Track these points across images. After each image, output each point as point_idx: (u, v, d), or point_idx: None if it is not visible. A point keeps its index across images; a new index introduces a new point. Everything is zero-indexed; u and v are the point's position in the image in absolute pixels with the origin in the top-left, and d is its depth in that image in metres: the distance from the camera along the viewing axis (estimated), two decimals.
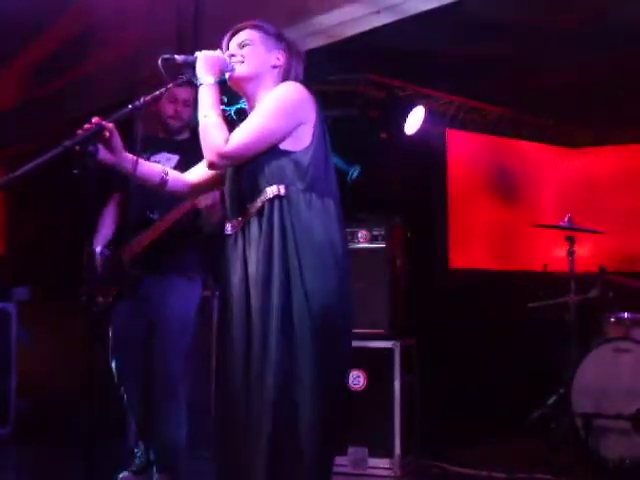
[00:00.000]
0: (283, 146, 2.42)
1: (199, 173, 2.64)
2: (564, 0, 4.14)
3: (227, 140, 2.38)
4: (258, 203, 2.42)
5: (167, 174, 2.62)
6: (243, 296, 2.42)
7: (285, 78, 2.55)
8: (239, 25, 2.57)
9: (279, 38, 2.57)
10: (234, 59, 2.50)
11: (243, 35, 2.54)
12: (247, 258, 2.43)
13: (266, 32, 2.55)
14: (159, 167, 2.65)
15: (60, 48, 4.91)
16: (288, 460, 2.30)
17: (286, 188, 2.39)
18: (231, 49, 2.54)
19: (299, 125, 2.42)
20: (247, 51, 2.51)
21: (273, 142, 2.41)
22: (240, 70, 2.50)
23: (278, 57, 2.54)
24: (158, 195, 3.46)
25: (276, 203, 2.39)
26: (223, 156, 2.39)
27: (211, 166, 2.45)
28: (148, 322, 3.56)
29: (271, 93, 2.45)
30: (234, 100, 2.62)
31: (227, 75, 2.49)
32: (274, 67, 2.54)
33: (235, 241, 2.48)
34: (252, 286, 2.40)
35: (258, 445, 2.32)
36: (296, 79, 2.56)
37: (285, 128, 2.41)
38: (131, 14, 4.46)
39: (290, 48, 2.57)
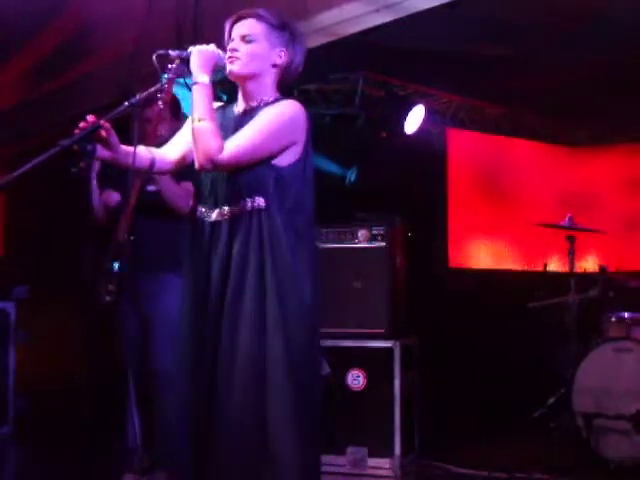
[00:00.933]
0: (271, 160, 2.45)
1: (177, 150, 2.63)
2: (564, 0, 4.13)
3: (221, 149, 2.38)
4: (236, 209, 2.44)
5: (152, 154, 2.61)
6: (213, 294, 2.44)
7: (284, 74, 2.54)
8: (243, 12, 2.53)
9: (282, 28, 2.54)
10: (235, 54, 2.49)
11: (247, 27, 2.50)
12: (212, 257, 2.45)
13: (270, 24, 2.51)
14: (145, 150, 2.62)
15: (58, 47, 4.90)
16: (265, 465, 2.32)
17: (267, 202, 2.42)
18: (234, 39, 2.51)
19: (292, 144, 2.46)
20: (250, 48, 2.49)
21: (266, 157, 2.43)
22: (240, 68, 2.49)
23: (280, 55, 2.52)
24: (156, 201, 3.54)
25: (255, 216, 2.42)
26: (215, 164, 2.40)
27: (201, 169, 2.46)
28: (143, 320, 3.59)
29: (272, 108, 2.47)
30: (233, 98, 2.61)
31: (228, 70, 2.49)
32: (274, 66, 2.53)
33: (207, 231, 2.49)
34: (217, 287, 2.42)
35: (233, 451, 2.33)
36: (295, 72, 2.56)
37: (280, 146, 2.44)
38: (130, 12, 4.45)
39: (293, 38, 2.55)
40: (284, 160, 2.45)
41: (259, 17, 2.51)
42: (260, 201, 2.42)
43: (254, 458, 2.33)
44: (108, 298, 3.58)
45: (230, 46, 2.50)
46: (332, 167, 5.19)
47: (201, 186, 2.56)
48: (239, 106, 2.58)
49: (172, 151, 2.64)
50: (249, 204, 2.42)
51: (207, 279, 2.45)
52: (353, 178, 5.37)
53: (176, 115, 3.71)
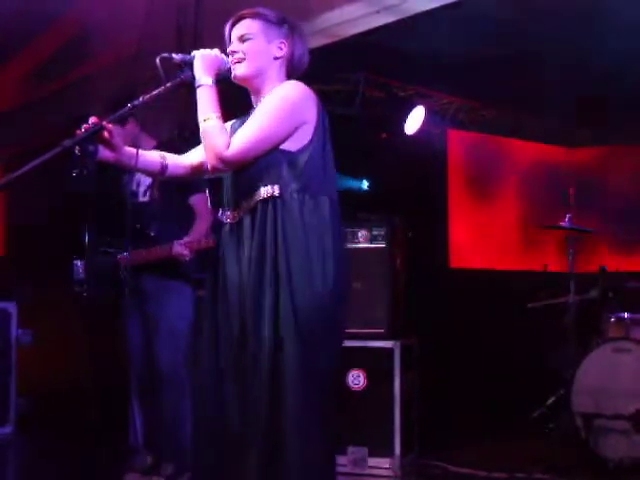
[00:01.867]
0: (281, 146, 2.41)
1: (198, 155, 2.62)
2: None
3: (229, 144, 2.38)
4: (252, 201, 2.42)
5: (165, 159, 2.60)
6: (236, 293, 2.42)
7: (289, 66, 2.53)
8: (240, 13, 2.53)
9: (281, 23, 2.53)
10: (235, 56, 2.50)
11: (244, 26, 2.51)
12: (241, 255, 2.43)
13: (267, 20, 2.51)
14: (157, 155, 2.62)
15: (60, 48, 4.91)
16: (279, 465, 2.29)
17: (281, 189, 2.38)
18: (232, 42, 2.52)
19: (300, 125, 2.41)
20: (248, 46, 2.49)
21: (275, 144, 2.39)
22: (242, 70, 2.49)
23: (280, 47, 2.51)
24: (150, 210, 3.55)
25: (270, 204, 2.38)
26: (225, 161, 2.38)
27: (214, 170, 2.44)
28: (146, 321, 3.61)
29: (272, 94, 2.44)
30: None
31: (232, 75, 2.49)
32: (276, 58, 2.52)
33: (231, 231, 2.49)
34: (245, 283, 2.40)
35: (247, 451, 2.32)
36: (302, 63, 2.55)
37: (287, 130, 2.40)
38: (130, 15, 4.46)
39: (292, 31, 2.54)
40: (294, 144, 2.41)
41: (254, 15, 2.51)
42: (275, 188, 2.38)
43: (266, 453, 2.30)
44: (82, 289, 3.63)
45: (230, 49, 2.51)
46: (347, 182, 5.23)
47: (223, 192, 2.55)
48: (254, 110, 2.56)
49: (190, 157, 2.63)
50: (263, 193, 2.39)
51: (240, 276, 2.41)
52: (364, 188, 5.42)
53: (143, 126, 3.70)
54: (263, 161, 2.40)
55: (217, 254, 2.53)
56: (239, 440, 2.35)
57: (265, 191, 2.39)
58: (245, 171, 2.43)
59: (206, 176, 2.69)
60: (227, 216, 2.50)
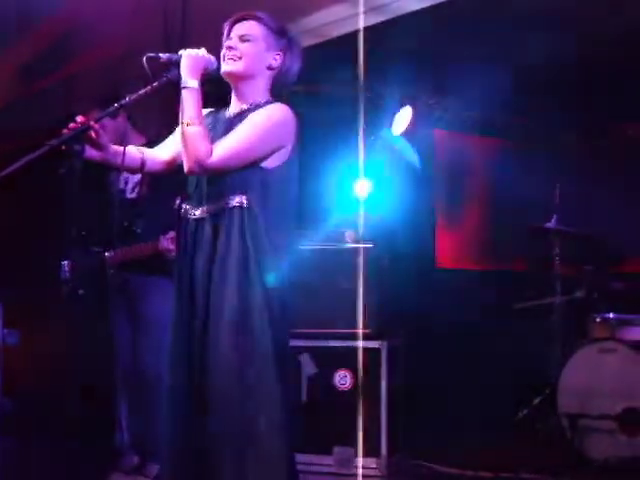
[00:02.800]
0: (258, 162, 2.48)
1: (170, 150, 2.66)
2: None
3: (210, 153, 2.40)
4: (219, 206, 2.46)
5: (144, 154, 2.64)
6: (192, 292, 2.49)
7: (279, 79, 2.57)
8: (244, 13, 2.56)
9: (281, 34, 2.58)
10: (232, 52, 2.50)
11: (246, 27, 2.54)
12: (196, 257, 2.48)
13: (269, 27, 2.56)
14: (136, 150, 2.64)
15: (46, 48, 4.89)
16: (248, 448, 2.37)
17: (249, 201, 2.43)
18: (232, 39, 2.53)
19: (280, 148, 2.49)
20: (247, 48, 2.52)
21: (254, 160, 2.46)
22: (235, 67, 2.51)
23: (275, 58, 2.56)
24: (138, 207, 3.55)
25: (236, 212, 2.44)
26: (205, 167, 2.43)
27: (190, 172, 2.48)
28: (133, 320, 3.60)
29: (260, 112, 2.49)
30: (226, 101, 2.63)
31: (222, 70, 2.51)
32: (269, 68, 2.56)
33: (193, 229, 2.53)
34: (201, 283, 2.46)
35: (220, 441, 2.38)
36: (291, 80, 2.60)
37: (268, 150, 2.47)
38: (117, 14, 4.44)
39: (290, 45, 2.59)
40: (271, 162, 2.48)
41: (259, 19, 2.55)
42: (243, 199, 2.45)
43: (238, 444, 2.37)
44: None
45: (227, 44, 2.52)
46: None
47: (186, 184, 2.58)
48: (231, 109, 2.60)
49: (163, 152, 2.67)
50: (232, 202, 2.45)
51: (191, 277, 2.47)
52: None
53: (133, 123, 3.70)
54: (238, 173, 2.49)
55: (179, 248, 2.57)
56: (211, 440, 2.40)
57: (234, 200, 2.44)
58: (217, 177, 2.47)
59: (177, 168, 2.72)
60: (188, 211, 2.52)
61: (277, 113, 2.50)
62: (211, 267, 2.44)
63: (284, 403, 2.41)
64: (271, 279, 2.42)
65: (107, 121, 3.39)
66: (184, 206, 2.56)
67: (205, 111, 2.58)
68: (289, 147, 2.51)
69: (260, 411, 2.37)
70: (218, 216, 2.46)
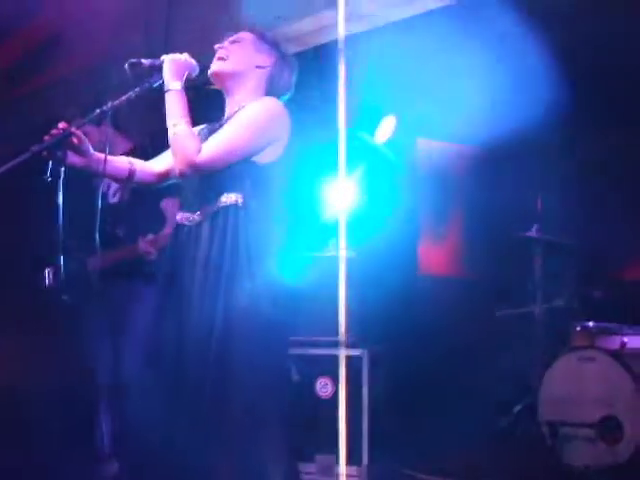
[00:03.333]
0: (250, 158, 2.45)
1: (165, 162, 2.64)
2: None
3: (200, 150, 2.39)
4: (214, 207, 2.44)
5: (133, 165, 2.62)
6: (188, 297, 2.46)
7: (270, 82, 2.57)
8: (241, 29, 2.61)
9: (273, 46, 2.60)
10: (220, 52, 2.52)
11: (238, 34, 2.58)
12: (196, 258, 2.45)
13: (261, 37, 2.59)
14: (125, 160, 2.64)
15: (28, 53, 4.87)
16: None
17: (244, 199, 2.42)
18: (224, 43, 2.56)
19: (273, 142, 2.46)
20: (234, 48, 2.54)
21: (245, 155, 2.44)
22: (220, 67, 2.52)
23: (265, 59, 2.56)
24: (119, 212, 3.54)
25: (231, 211, 2.42)
26: (195, 167, 2.41)
27: (182, 175, 2.45)
28: (113, 330, 3.59)
29: (250, 107, 2.47)
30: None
31: (209, 71, 2.51)
32: (258, 67, 2.55)
33: (188, 234, 2.50)
34: (198, 287, 2.43)
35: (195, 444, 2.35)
36: (284, 88, 2.59)
37: (260, 144, 2.45)
38: (100, 19, 4.44)
39: (283, 58, 2.60)
40: (263, 158, 2.46)
41: (251, 29, 2.58)
42: (237, 197, 2.42)
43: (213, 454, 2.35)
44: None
45: (217, 46, 2.54)
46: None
47: (182, 192, 2.57)
48: (225, 114, 2.59)
49: (156, 164, 2.65)
50: (226, 200, 2.43)
51: (193, 278, 2.44)
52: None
53: (119, 128, 3.70)
54: (229, 170, 2.43)
55: (170, 254, 2.54)
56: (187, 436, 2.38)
57: (228, 198, 2.42)
58: (210, 177, 2.45)
59: (171, 181, 2.70)
60: (186, 218, 2.51)
61: (268, 106, 2.49)
62: (207, 267, 2.41)
63: (279, 410, 2.40)
64: (265, 277, 2.40)
65: (90, 128, 3.38)
66: (180, 214, 2.54)
67: (199, 127, 2.58)
68: (282, 142, 2.49)
69: (258, 421, 2.35)
70: (213, 217, 2.44)
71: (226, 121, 2.54)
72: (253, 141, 2.43)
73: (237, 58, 2.52)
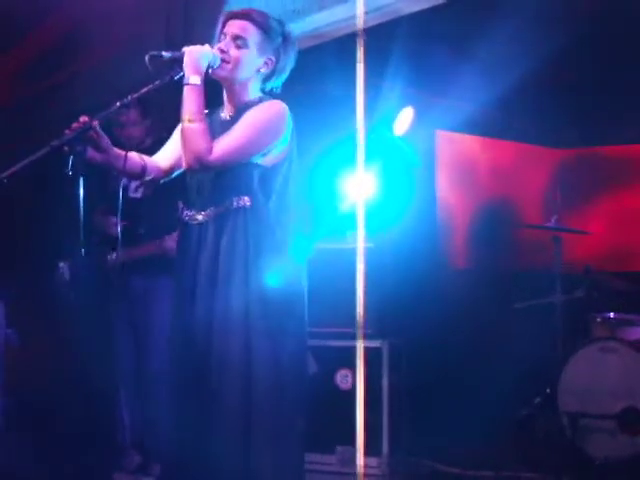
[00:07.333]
0: (256, 160, 2.49)
1: (168, 157, 2.67)
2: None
3: (211, 150, 2.41)
4: (221, 209, 2.46)
5: (144, 160, 2.64)
6: (194, 296, 2.49)
7: (269, 77, 2.60)
8: (240, 10, 2.57)
9: (275, 34, 2.58)
10: (224, 56, 2.52)
11: (242, 28, 2.54)
12: (200, 259, 2.48)
13: (264, 30, 2.55)
14: (137, 157, 2.65)
15: (48, 47, 4.90)
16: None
17: (251, 200, 2.44)
18: (226, 38, 2.54)
19: (278, 144, 2.51)
20: (239, 54, 2.53)
21: (251, 156, 2.48)
22: (224, 73, 2.53)
23: (267, 62, 2.57)
24: (141, 207, 3.56)
25: (240, 213, 2.45)
26: (205, 164, 2.44)
27: (190, 170, 2.49)
28: (137, 323, 3.60)
29: (259, 109, 2.52)
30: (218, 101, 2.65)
31: (210, 71, 2.52)
32: (261, 69, 2.57)
33: (193, 233, 2.53)
34: (204, 285, 2.46)
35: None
36: (278, 75, 2.62)
37: (265, 145, 2.50)
38: (120, 12, 4.46)
39: (284, 44, 2.59)
40: (269, 159, 2.51)
41: (254, 21, 2.54)
42: (245, 200, 2.45)
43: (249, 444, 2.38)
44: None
45: (220, 45, 2.53)
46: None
47: (188, 190, 2.59)
48: (225, 110, 2.61)
49: (163, 158, 2.67)
50: (234, 203, 2.46)
51: (195, 279, 2.47)
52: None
53: (145, 115, 3.73)
54: (237, 172, 2.48)
55: (181, 253, 2.57)
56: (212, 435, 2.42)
57: (236, 201, 2.44)
58: (217, 179, 2.48)
59: (174, 174, 2.72)
60: (191, 217, 2.53)
61: (273, 110, 2.54)
62: (215, 269, 2.44)
63: (298, 403, 2.43)
64: (276, 278, 2.42)
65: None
66: (186, 212, 2.56)
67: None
68: (286, 145, 2.53)
69: (272, 412, 2.37)
70: (221, 218, 2.48)
71: (231, 117, 2.58)
72: (260, 142, 2.49)
73: (239, 66, 2.54)
